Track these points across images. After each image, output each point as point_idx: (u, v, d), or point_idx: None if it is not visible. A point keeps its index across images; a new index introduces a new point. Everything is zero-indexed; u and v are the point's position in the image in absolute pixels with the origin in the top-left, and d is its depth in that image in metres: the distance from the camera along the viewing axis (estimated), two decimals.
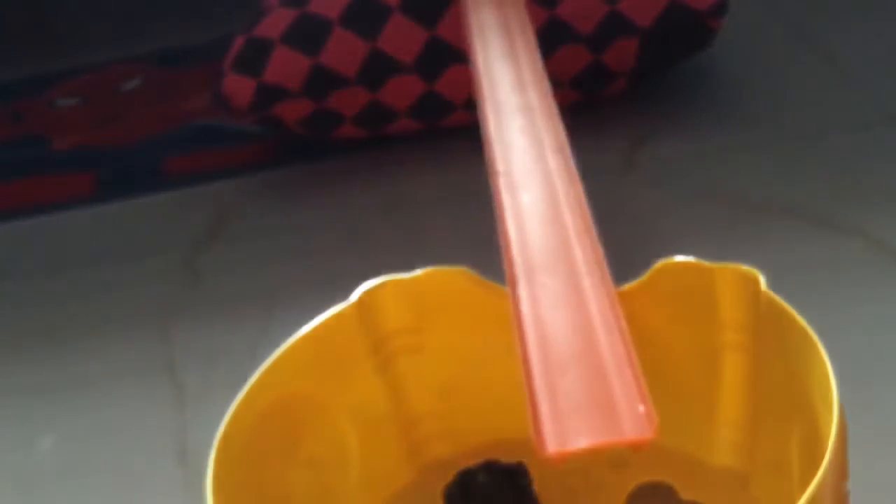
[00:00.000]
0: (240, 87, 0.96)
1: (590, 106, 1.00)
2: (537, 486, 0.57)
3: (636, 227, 0.75)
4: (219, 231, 0.95)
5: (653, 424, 0.46)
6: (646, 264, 0.54)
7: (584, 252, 0.55)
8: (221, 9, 1.26)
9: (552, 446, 0.46)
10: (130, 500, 0.69)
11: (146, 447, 0.72)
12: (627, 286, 0.54)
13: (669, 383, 0.52)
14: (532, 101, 0.62)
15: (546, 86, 0.64)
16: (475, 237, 0.71)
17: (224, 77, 0.97)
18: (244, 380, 0.50)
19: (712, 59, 1.03)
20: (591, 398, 0.48)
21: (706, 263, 0.53)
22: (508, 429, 0.56)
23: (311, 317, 0.53)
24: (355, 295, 0.54)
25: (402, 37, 0.97)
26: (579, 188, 0.53)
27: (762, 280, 0.50)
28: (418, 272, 0.54)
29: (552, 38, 0.96)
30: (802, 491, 0.40)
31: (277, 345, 0.52)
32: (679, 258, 0.54)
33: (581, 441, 0.45)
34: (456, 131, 0.99)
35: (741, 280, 0.51)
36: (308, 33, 0.97)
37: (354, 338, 0.54)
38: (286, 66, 0.96)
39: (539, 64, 0.67)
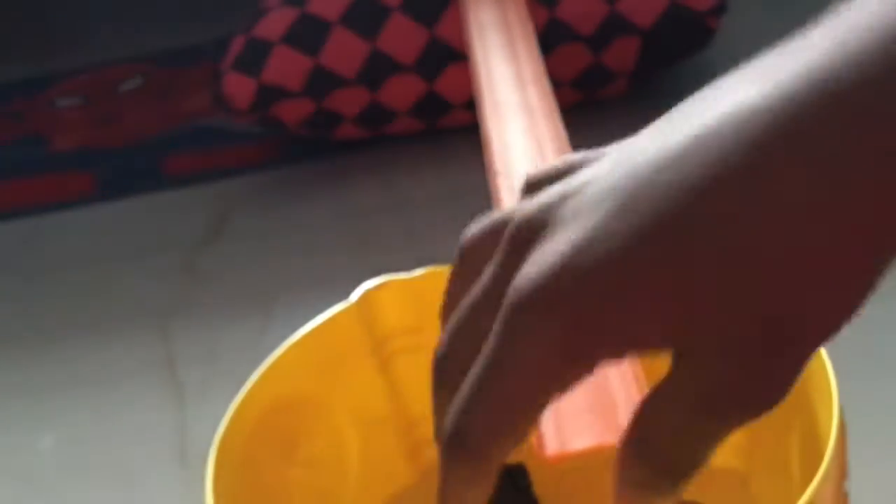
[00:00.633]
0: (240, 87, 0.96)
1: (590, 106, 1.00)
2: (537, 487, 0.57)
3: None
4: (219, 231, 0.95)
5: None
6: None
7: None
8: (221, 9, 1.26)
9: (552, 447, 0.46)
10: (130, 499, 0.69)
11: (146, 446, 0.72)
12: None
13: None
14: (532, 100, 0.62)
15: (546, 84, 0.64)
16: None
17: (224, 77, 0.97)
18: (244, 379, 0.50)
19: (712, 59, 1.03)
20: (590, 398, 0.48)
21: None
22: None
23: (311, 317, 0.53)
24: (355, 295, 0.54)
25: (402, 37, 0.97)
26: None
27: None
28: (418, 272, 0.54)
29: (552, 38, 0.96)
30: (802, 491, 0.40)
31: (277, 344, 0.52)
32: None
33: (580, 442, 0.45)
34: (456, 131, 0.99)
35: None
36: (308, 33, 0.97)
37: (354, 338, 0.54)
38: (286, 66, 0.96)
39: (539, 62, 0.67)
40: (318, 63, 0.97)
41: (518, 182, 0.54)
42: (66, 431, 0.76)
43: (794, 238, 0.25)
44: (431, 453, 0.57)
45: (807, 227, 0.25)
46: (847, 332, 0.70)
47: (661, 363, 0.54)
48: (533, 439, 0.48)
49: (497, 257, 0.29)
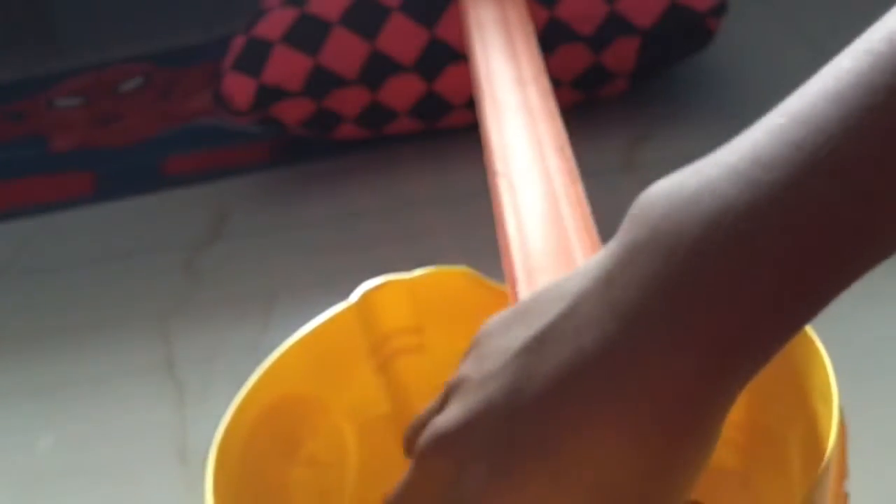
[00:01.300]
0: (240, 87, 0.96)
1: (590, 106, 1.01)
2: None
3: None
4: (219, 231, 0.95)
5: None
6: None
7: (585, 252, 0.55)
8: (221, 9, 1.26)
9: None
10: (131, 498, 0.69)
11: (146, 446, 0.72)
12: None
13: None
14: (532, 99, 0.62)
15: (546, 84, 0.64)
16: (475, 237, 0.71)
17: (224, 77, 0.97)
18: (244, 379, 0.50)
19: (712, 59, 1.03)
20: None
21: None
22: None
23: (311, 317, 0.53)
24: (355, 295, 0.54)
25: (401, 37, 0.97)
26: (579, 188, 0.53)
27: None
28: (418, 272, 0.54)
29: (552, 38, 0.96)
30: (802, 491, 0.40)
31: (277, 344, 0.52)
32: None
33: None
34: (456, 131, 0.99)
35: None
36: (308, 33, 0.97)
37: (354, 338, 0.54)
38: (286, 67, 0.96)
39: (539, 62, 0.67)
40: (318, 63, 0.97)
41: (518, 182, 0.54)
42: (66, 431, 0.76)
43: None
44: None
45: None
46: (847, 333, 0.70)
47: None
48: None
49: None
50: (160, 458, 0.71)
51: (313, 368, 0.53)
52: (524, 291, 0.46)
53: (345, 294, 0.54)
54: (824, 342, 0.47)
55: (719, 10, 0.98)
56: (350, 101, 0.98)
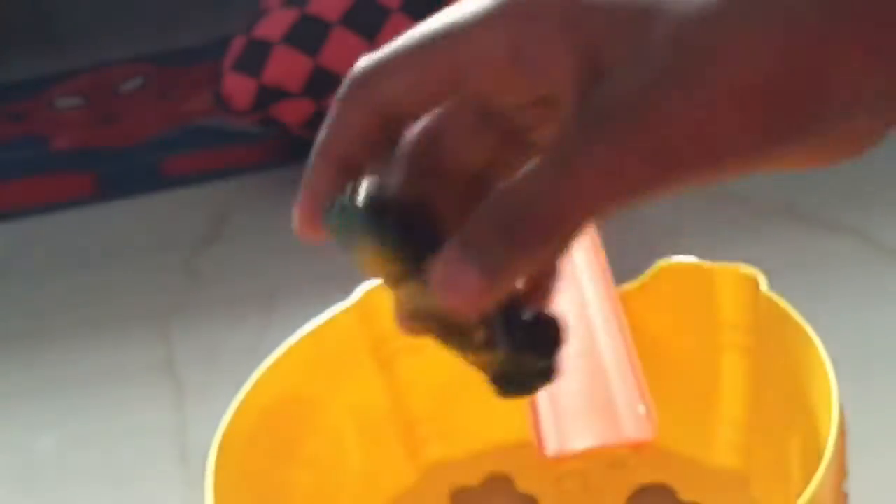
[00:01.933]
0: (240, 88, 0.96)
1: None
2: (537, 488, 0.57)
3: (636, 228, 0.75)
4: (219, 231, 0.95)
5: (653, 425, 0.46)
6: (646, 264, 0.54)
7: (585, 252, 0.55)
8: (221, 9, 1.26)
9: (552, 448, 0.46)
10: (130, 499, 0.69)
11: (146, 446, 0.72)
12: (627, 286, 0.54)
13: (669, 384, 0.52)
14: None
15: None
16: None
17: (224, 77, 0.97)
18: (244, 379, 0.50)
19: None
20: (591, 399, 0.48)
21: (706, 264, 0.53)
22: (508, 430, 0.56)
23: (311, 317, 0.53)
24: (355, 295, 0.54)
25: None
26: None
27: (762, 280, 0.50)
28: None
29: None
30: (802, 491, 0.40)
31: (277, 344, 0.52)
32: (679, 258, 0.54)
33: (581, 442, 0.45)
34: None
35: (741, 280, 0.51)
36: (308, 34, 0.97)
37: (354, 338, 0.54)
38: (286, 67, 0.96)
39: None
40: (319, 63, 0.97)
41: None
42: (65, 432, 0.76)
43: None
44: (431, 453, 0.57)
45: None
46: (846, 332, 0.70)
47: (661, 364, 0.54)
48: (533, 441, 0.48)
49: None
50: (160, 457, 0.71)
51: (313, 368, 0.53)
52: None
53: (345, 294, 0.54)
54: (823, 341, 0.47)
55: None
56: None
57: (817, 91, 0.26)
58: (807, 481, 0.41)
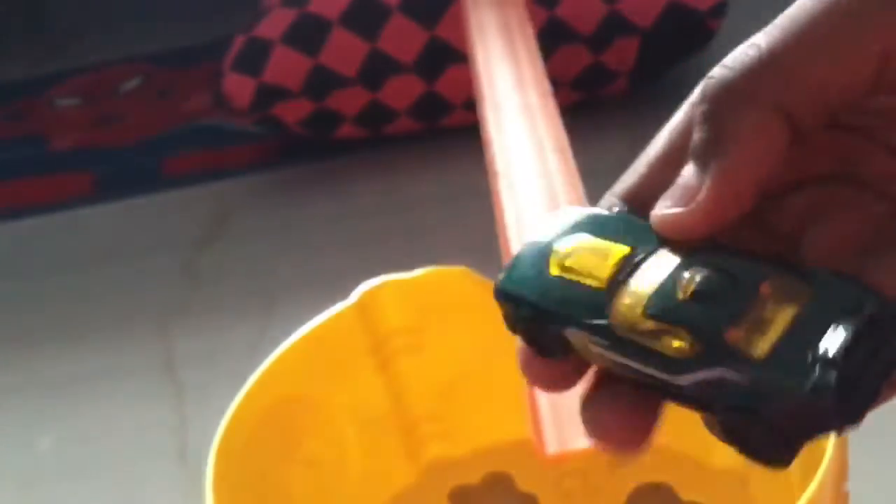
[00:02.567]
0: (240, 88, 0.96)
1: (590, 106, 1.00)
2: (536, 488, 0.57)
3: None
4: (218, 231, 0.95)
5: None
6: None
7: None
8: (221, 9, 1.26)
9: (552, 448, 0.46)
10: (131, 498, 0.69)
11: (146, 446, 0.72)
12: None
13: None
14: (532, 100, 0.62)
15: (546, 85, 0.64)
16: (475, 237, 0.71)
17: (224, 77, 0.97)
18: (244, 379, 0.50)
19: (712, 59, 1.03)
20: None
21: None
22: (508, 430, 0.56)
23: (311, 316, 0.53)
24: (355, 295, 0.54)
25: (402, 37, 0.97)
26: (579, 188, 0.53)
27: None
28: (418, 272, 0.54)
29: (552, 39, 0.96)
30: (802, 491, 0.40)
31: (277, 344, 0.52)
32: None
33: (580, 442, 0.45)
34: (456, 131, 0.99)
35: None
36: (308, 33, 0.97)
37: (354, 337, 0.54)
38: (286, 66, 0.96)
39: (539, 64, 0.67)
40: (318, 63, 0.97)
41: (518, 182, 0.54)
42: (66, 431, 0.76)
43: None
44: (431, 454, 0.57)
45: None
46: None
47: None
48: (533, 440, 0.48)
49: None
50: (160, 457, 0.71)
51: (313, 368, 0.53)
52: None
53: (345, 294, 0.54)
54: None
55: (719, 10, 0.98)
56: (350, 100, 0.98)
57: None
58: (806, 482, 0.41)
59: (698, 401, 0.21)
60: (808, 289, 0.22)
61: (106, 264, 0.94)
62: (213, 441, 0.47)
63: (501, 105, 0.62)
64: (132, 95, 1.22)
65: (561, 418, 0.47)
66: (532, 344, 0.24)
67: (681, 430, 0.54)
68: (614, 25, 0.97)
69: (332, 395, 0.54)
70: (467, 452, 0.57)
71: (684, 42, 0.99)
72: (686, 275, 0.23)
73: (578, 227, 0.25)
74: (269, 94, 0.97)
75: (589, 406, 0.24)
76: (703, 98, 0.24)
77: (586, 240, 0.24)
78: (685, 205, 0.24)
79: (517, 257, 0.25)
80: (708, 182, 0.24)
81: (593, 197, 0.53)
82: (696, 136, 0.24)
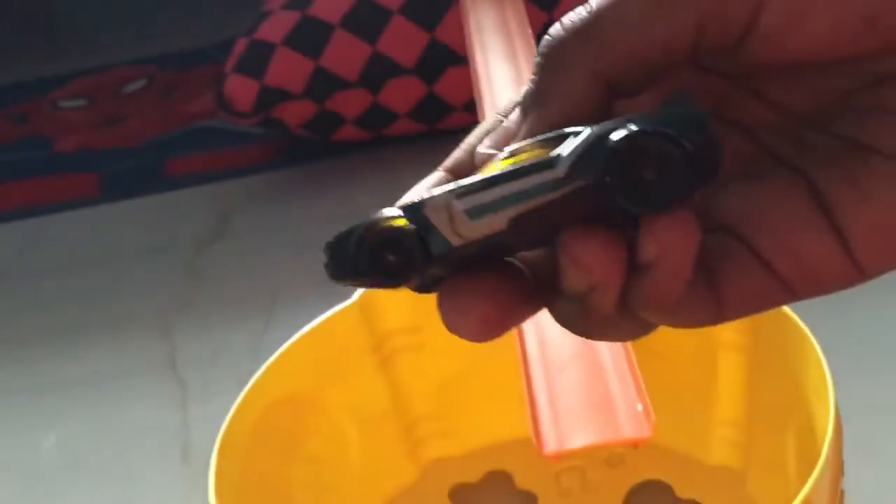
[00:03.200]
0: (242, 90, 0.97)
1: None
2: (535, 486, 0.57)
3: None
4: (221, 231, 0.96)
5: (651, 423, 0.46)
6: None
7: None
8: (224, 12, 1.27)
9: (550, 445, 0.46)
10: (134, 496, 0.69)
11: (149, 445, 0.73)
12: None
13: (667, 382, 0.53)
14: None
15: None
16: None
17: (226, 79, 0.98)
18: (246, 378, 0.51)
19: None
20: (589, 397, 0.48)
21: None
22: (507, 428, 0.56)
23: (313, 316, 0.53)
24: (356, 294, 0.54)
25: (402, 40, 0.97)
26: None
27: None
28: None
29: None
30: (799, 489, 0.40)
31: (279, 344, 0.52)
32: None
33: (579, 440, 0.45)
34: (456, 132, 0.99)
35: None
36: (310, 36, 0.97)
37: (355, 337, 0.54)
38: (288, 69, 0.97)
39: None
40: (320, 65, 0.97)
41: None
42: (69, 430, 0.76)
43: None
44: (431, 451, 0.57)
45: None
46: (845, 332, 0.70)
47: (659, 362, 0.54)
48: (532, 438, 0.48)
49: None
50: (162, 456, 0.71)
51: (314, 367, 0.53)
52: None
53: (346, 294, 0.54)
54: (819, 340, 0.47)
55: None
56: (351, 102, 0.98)
57: None
58: (803, 480, 0.41)
59: (583, 175, 0.23)
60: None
61: (109, 264, 0.94)
62: (215, 439, 0.48)
63: (500, 105, 0.63)
64: (136, 97, 1.22)
65: (559, 417, 0.47)
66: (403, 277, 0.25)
67: (678, 428, 0.55)
68: None
69: (333, 393, 0.54)
70: (467, 451, 0.57)
71: None
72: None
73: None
74: (271, 96, 0.97)
75: (449, 292, 0.25)
76: (539, 53, 0.25)
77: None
78: (502, 146, 0.26)
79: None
80: (524, 129, 0.25)
81: None
82: (527, 85, 0.26)
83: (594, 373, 0.49)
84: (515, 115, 0.26)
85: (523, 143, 0.25)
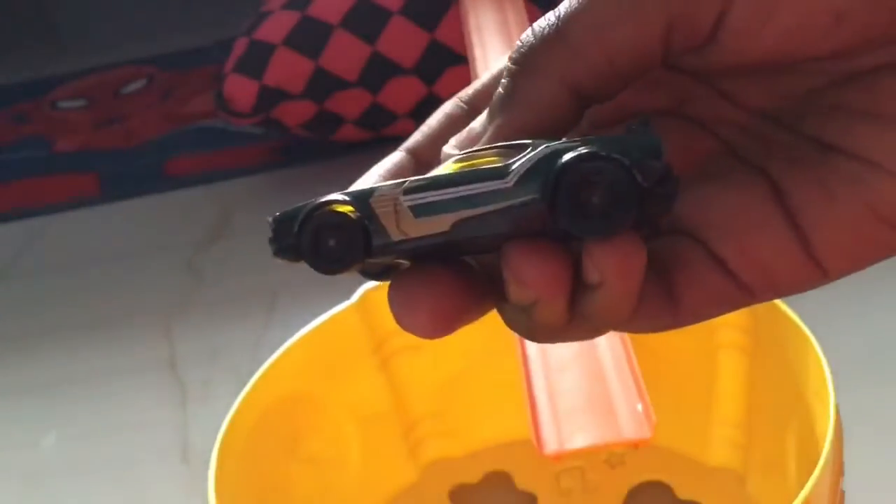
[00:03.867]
0: (242, 90, 0.97)
1: None
2: (535, 486, 0.57)
3: None
4: (221, 231, 0.96)
5: (651, 424, 0.46)
6: None
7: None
8: (224, 12, 1.27)
9: (551, 446, 0.46)
10: (133, 496, 0.69)
11: (149, 444, 0.73)
12: None
13: (667, 383, 0.53)
14: None
15: None
16: None
17: (226, 79, 0.98)
18: (246, 378, 0.51)
19: None
20: (589, 398, 0.48)
21: None
22: (507, 429, 0.56)
23: (313, 316, 0.54)
24: (356, 295, 0.54)
25: (402, 40, 0.97)
26: None
27: None
28: None
29: None
30: (799, 490, 0.40)
31: (279, 343, 0.52)
32: None
33: (579, 441, 0.46)
34: None
35: None
36: (309, 36, 0.97)
37: (355, 337, 0.54)
38: (288, 69, 0.97)
39: None
40: (320, 65, 0.97)
41: None
42: (69, 429, 0.76)
43: None
44: (431, 451, 0.57)
45: None
46: (843, 332, 0.70)
47: (659, 363, 0.54)
48: (532, 439, 0.48)
49: None
50: (162, 455, 0.71)
51: (314, 367, 0.53)
52: None
53: (346, 294, 0.54)
54: (820, 340, 0.47)
55: None
56: (351, 102, 0.98)
57: None
58: (803, 480, 0.41)
59: (529, 191, 0.23)
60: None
61: (109, 264, 0.94)
62: (215, 439, 0.48)
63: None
64: (135, 97, 1.22)
65: (559, 417, 0.47)
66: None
67: (678, 428, 0.55)
68: None
69: (333, 393, 0.54)
70: (467, 451, 0.57)
71: None
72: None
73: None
74: (270, 97, 0.97)
75: (399, 285, 0.24)
76: (510, 58, 0.25)
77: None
78: (466, 148, 0.25)
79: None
80: (489, 133, 0.25)
81: None
82: (497, 89, 0.25)
83: (594, 373, 0.49)
84: (483, 117, 0.26)
85: (483, 148, 0.24)
